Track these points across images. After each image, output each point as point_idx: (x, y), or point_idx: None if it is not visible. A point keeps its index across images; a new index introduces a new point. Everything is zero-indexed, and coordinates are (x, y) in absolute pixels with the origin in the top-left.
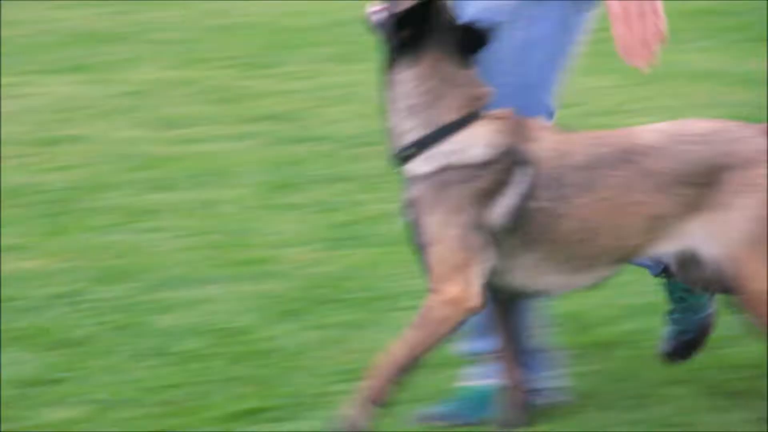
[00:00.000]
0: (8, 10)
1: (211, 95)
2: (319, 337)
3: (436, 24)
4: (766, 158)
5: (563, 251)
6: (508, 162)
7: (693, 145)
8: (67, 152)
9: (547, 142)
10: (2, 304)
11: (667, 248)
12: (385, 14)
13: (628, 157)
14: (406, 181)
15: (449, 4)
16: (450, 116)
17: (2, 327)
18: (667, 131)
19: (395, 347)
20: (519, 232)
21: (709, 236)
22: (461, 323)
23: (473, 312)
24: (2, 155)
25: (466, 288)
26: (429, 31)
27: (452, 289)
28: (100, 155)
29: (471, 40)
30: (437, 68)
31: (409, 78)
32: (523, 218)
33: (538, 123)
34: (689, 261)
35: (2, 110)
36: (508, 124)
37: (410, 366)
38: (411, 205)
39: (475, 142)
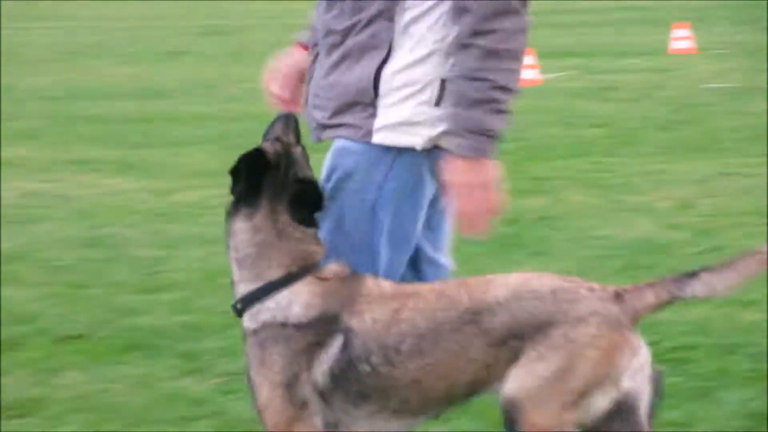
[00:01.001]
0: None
1: None
2: None
3: (276, 177)
4: (594, 319)
5: (395, 403)
6: (324, 325)
7: (531, 301)
8: None
9: (375, 304)
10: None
11: (494, 389)
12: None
13: (470, 317)
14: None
15: (298, 157)
16: (276, 272)
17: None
18: (513, 285)
19: None
20: (344, 390)
21: (512, 378)
22: None
23: None
24: None
25: None
26: (266, 184)
27: None
28: None
29: (311, 196)
30: (271, 222)
31: (244, 229)
32: (346, 379)
33: (373, 281)
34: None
35: None
36: (334, 284)
37: None
38: (245, 358)
39: (295, 302)
